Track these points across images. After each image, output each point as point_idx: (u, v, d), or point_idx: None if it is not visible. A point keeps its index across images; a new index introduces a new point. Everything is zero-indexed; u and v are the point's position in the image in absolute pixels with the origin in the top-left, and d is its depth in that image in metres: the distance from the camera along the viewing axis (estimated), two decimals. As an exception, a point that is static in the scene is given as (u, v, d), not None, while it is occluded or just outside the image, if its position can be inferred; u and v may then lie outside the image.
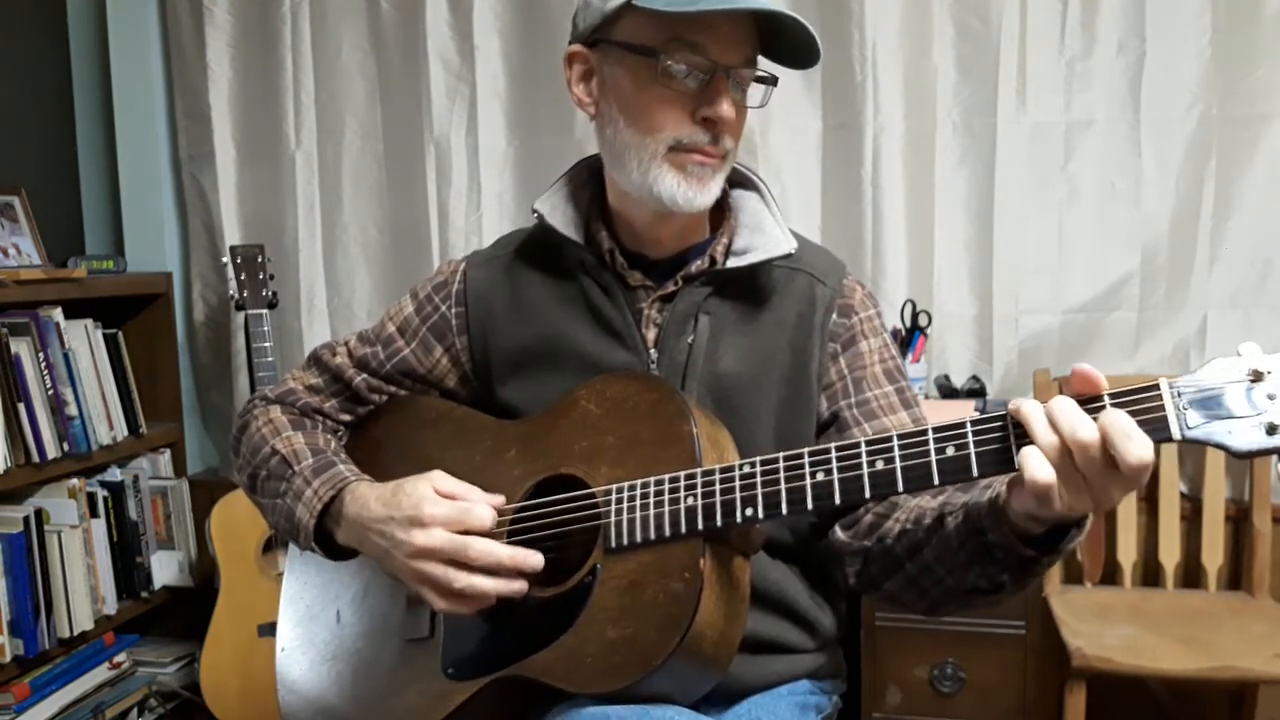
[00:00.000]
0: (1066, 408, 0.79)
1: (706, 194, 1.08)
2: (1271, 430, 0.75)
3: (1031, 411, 0.80)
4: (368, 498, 1.07)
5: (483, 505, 1.02)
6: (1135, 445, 0.75)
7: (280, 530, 1.17)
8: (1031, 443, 0.80)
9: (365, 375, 1.25)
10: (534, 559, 0.99)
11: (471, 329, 1.21)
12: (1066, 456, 0.78)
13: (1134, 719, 2.12)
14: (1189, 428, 0.77)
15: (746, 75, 1.08)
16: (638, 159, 1.07)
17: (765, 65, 1.10)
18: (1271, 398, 0.75)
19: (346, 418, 1.27)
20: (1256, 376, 0.76)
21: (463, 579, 0.99)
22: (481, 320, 1.21)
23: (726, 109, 1.05)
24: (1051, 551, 0.90)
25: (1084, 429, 0.77)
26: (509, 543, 1.05)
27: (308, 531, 1.10)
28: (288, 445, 1.16)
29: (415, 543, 1.00)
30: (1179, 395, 0.78)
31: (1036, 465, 0.78)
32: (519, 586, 1.00)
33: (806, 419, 1.13)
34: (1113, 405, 0.79)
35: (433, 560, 1.00)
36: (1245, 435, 0.76)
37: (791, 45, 1.05)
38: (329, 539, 1.12)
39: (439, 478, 1.05)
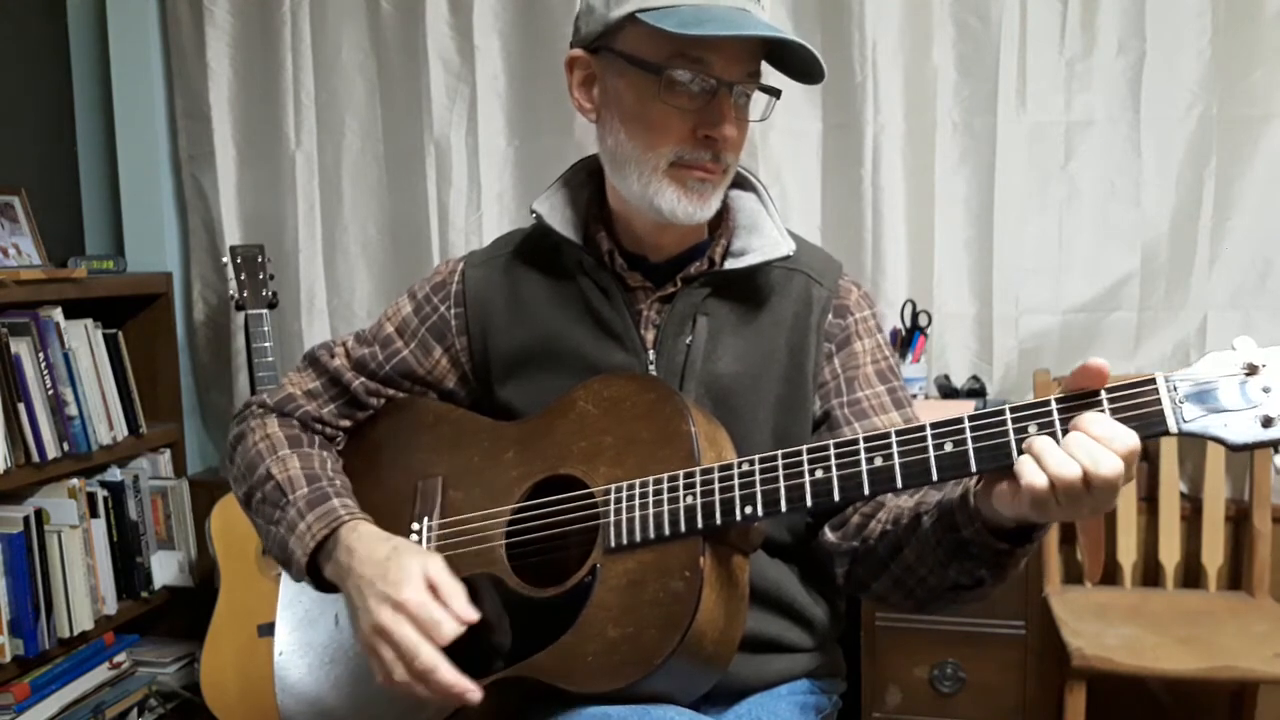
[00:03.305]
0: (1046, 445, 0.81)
1: (707, 208, 1.08)
2: (1267, 423, 0.76)
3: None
4: (359, 546, 1.05)
5: (452, 624, 0.98)
6: (1105, 463, 0.78)
7: (273, 556, 1.15)
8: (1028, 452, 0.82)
9: (363, 379, 1.24)
10: (474, 694, 0.97)
11: (471, 329, 1.21)
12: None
13: (1134, 719, 2.12)
14: (1185, 421, 0.78)
15: (749, 89, 1.07)
16: (638, 171, 1.07)
17: (769, 73, 1.09)
18: (1266, 391, 0.76)
19: (345, 423, 1.25)
20: (1251, 370, 0.77)
21: (402, 676, 0.97)
22: (481, 321, 1.21)
23: (729, 129, 1.04)
24: (1025, 543, 0.92)
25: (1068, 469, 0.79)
26: (508, 543, 1.05)
27: (300, 568, 1.09)
28: (283, 470, 1.14)
29: (379, 619, 0.98)
30: (1175, 389, 0.79)
31: (1031, 470, 0.80)
32: (450, 708, 1.00)
33: (803, 418, 1.13)
34: (1109, 399, 0.80)
35: (387, 644, 0.98)
36: (1241, 428, 0.77)
37: (796, 61, 1.05)
38: (317, 570, 1.11)
39: (434, 566, 1.01)
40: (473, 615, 0.99)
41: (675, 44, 1.01)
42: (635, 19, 1.01)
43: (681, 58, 1.02)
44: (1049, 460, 0.79)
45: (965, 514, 0.92)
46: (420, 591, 0.98)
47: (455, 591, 1.00)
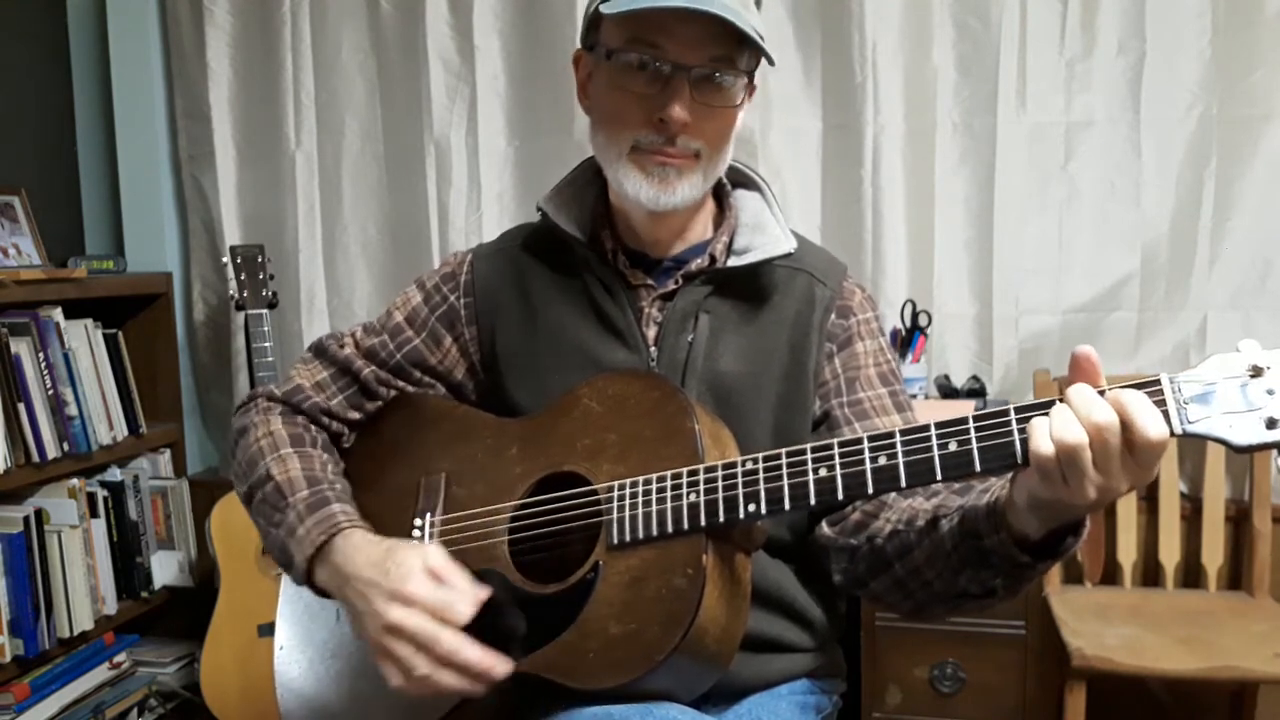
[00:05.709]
0: (1083, 392, 0.79)
1: (673, 194, 1.07)
2: (1271, 425, 0.76)
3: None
4: (356, 554, 1.03)
5: (466, 601, 0.97)
6: (1153, 422, 0.76)
7: (273, 557, 1.14)
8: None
9: (374, 367, 1.22)
10: (501, 667, 0.95)
11: (480, 320, 1.22)
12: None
13: (1134, 719, 2.12)
14: (1189, 422, 0.78)
15: (711, 72, 1.05)
16: (607, 159, 1.10)
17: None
18: (1270, 393, 0.76)
19: (355, 415, 1.24)
20: (1256, 372, 0.77)
21: (425, 668, 0.95)
22: (489, 311, 1.21)
23: (677, 111, 1.03)
24: (1047, 558, 0.90)
25: (1100, 411, 0.78)
26: (511, 539, 1.05)
27: (300, 573, 1.07)
28: (283, 471, 1.12)
29: (390, 618, 0.96)
30: (1179, 390, 0.78)
31: (1041, 436, 0.79)
32: (479, 689, 0.96)
33: (804, 417, 1.13)
34: None
35: (402, 640, 0.96)
36: (1245, 430, 0.77)
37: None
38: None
39: (433, 554, 1.00)
40: (483, 592, 0.99)
41: (631, 30, 1.03)
42: (600, 12, 1.04)
43: (635, 42, 1.03)
44: (1084, 407, 0.78)
45: (991, 522, 0.91)
46: (424, 582, 0.97)
47: (459, 575, 0.99)
